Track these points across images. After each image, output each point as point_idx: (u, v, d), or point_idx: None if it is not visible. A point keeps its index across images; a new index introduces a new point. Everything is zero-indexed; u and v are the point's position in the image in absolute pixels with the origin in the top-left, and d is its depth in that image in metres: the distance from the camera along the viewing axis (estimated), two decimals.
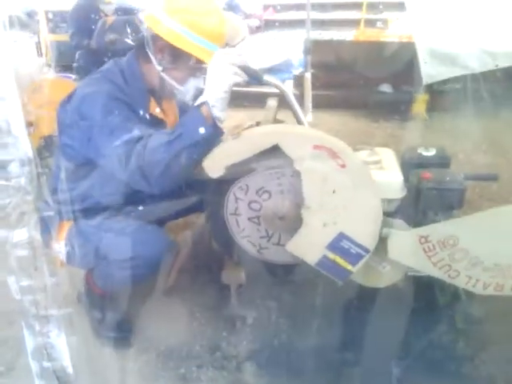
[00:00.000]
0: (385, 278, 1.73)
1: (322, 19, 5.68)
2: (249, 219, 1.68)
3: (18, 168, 1.03)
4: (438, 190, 1.68)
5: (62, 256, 1.82)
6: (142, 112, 1.73)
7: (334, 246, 1.60)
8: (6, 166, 1.02)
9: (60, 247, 1.81)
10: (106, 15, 4.40)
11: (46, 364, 1.22)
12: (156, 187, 1.56)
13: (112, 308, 1.97)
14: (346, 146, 1.54)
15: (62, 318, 1.18)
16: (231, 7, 5.57)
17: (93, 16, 4.38)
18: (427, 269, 1.63)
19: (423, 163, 1.82)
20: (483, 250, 1.57)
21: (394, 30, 5.09)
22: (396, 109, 4.56)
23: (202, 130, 1.49)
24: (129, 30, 4.29)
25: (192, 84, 1.75)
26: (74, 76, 3.75)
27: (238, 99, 4.51)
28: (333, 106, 4.69)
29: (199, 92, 1.71)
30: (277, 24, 5.94)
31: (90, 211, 1.79)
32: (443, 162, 1.85)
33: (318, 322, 2.02)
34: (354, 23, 5.41)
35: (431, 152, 1.85)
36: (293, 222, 1.63)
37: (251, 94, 4.54)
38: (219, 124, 1.52)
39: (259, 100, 4.38)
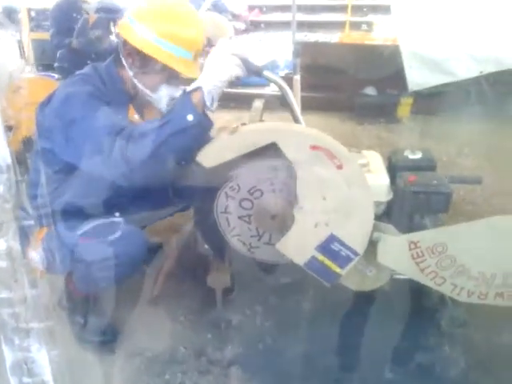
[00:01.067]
0: (371, 281, 1.72)
1: (308, 21, 5.69)
2: (239, 218, 1.67)
3: None
4: (424, 194, 1.68)
5: (40, 262, 1.78)
6: (120, 118, 1.67)
7: (324, 247, 1.59)
8: None
9: (37, 253, 1.76)
10: (88, 14, 4.33)
11: (26, 380, 1.18)
12: (139, 176, 1.47)
13: (95, 311, 1.94)
14: (343, 146, 1.53)
15: (43, 331, 1.14)
16: (217, 8, 5.54)
17: (74, 15, 4.31)
18: (414, 274, 1.63)
19: (409, 166, 1.82)
20: (470, 259, 1.58)
21: (378, 33, 5.11)
22: (381, 111, 4.58)
23: (190, 117, 1.43)
24: (112, 29, 4.24)
25: (164, 92, 1.70)
26: (56, 75, 3.68)
27: (223, 100, 4.51)
28: (318, 108, 4.68)
29: (173, 101, 1.69)
30: (262, 25, 5.94)
31: (68, 215, 1.74)
32: (429, 164, 1.85)
33: (305, 325, 2.01)
34: (339, 25, 5.43)
35: (417, 155, 1.85)
36: (284, 222, 1.62)
37: (237, 95, 4.52)
38: (209, 114, 1.48)
39: (245, 101, 4.38)
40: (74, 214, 1.74)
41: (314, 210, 1.55)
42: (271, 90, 4.63)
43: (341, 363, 1.87)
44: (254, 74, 1.58)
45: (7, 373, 1.16)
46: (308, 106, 4.62)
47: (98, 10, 4.33)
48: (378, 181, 1.69)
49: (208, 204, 1.70)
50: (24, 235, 1.24)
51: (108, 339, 1.94)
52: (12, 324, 1.11)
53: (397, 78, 4.02)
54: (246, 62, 1.52)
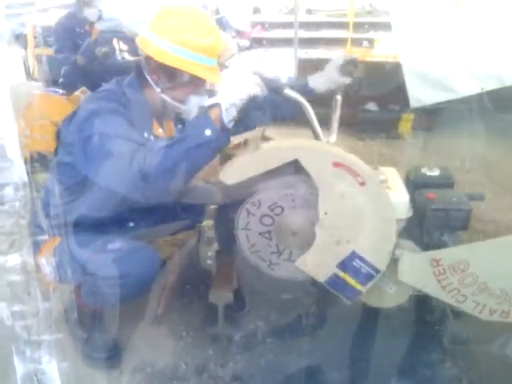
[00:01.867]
0: (390, 298, 1.73)
1: (309, 38, 5.74)
2: (260, 234, 1.68)
3: (12, 192, 1.00)
4: (444, 211, 1.68)
5: (50, 272, 1.78)
6: (146, 134, 1.69)
7: (346, 264, 1.60)
8: (0, 190, 1.00)
9: (48, 263, 1.76)
10: (92, 23, 4.31)
11: None
12: (155, 190, 1.46)
13: (99, 326, 1.93)
14: (364, 164, 1.54)
15: (54, 343, 1.14)
16: (221, 25, 5.57)
17: (77, 29, 4.32)
18: (436, 292, 1.63)
19: (428, 183, 1.82)
20: (492, 276, 1.58)
21: (380, 50, 5.15)
22: (382, 127, 4.60)
23: (208, 133, 1.43)
24: (116, 45, 4.25)
25: (194, 102, 1.70)
26: (61, 91, 3.71)
27: None
28: (320, 124, 4.71)
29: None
30: (264, 42, 5.98)
31: (82, 228, 1.74)
32: (447, 181, 1.85)
33: (305, 341, 2.01)
34: (341, 42, 5.47)
35: (435, 172, 1.86)
36: (305, 239, 1.63)
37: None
38: (226, 130, 1.48)
39: None
40: (88, 227, 1.74)
41: (336, 227, 1.56)
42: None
43: (341, 379, 1.85)
44: (275, 91, 1.60)
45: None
46: (302, 121, 4.67)
47: (101, 26, 4.33)
48: (398, 198, 1.67)
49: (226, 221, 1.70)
50: (36, 248, 1.26)
51: (110, 354, 1.92)
52: (24, 336, 1.12)
53: (398, 94, 4.05)
54: (267, 80, 1.53)
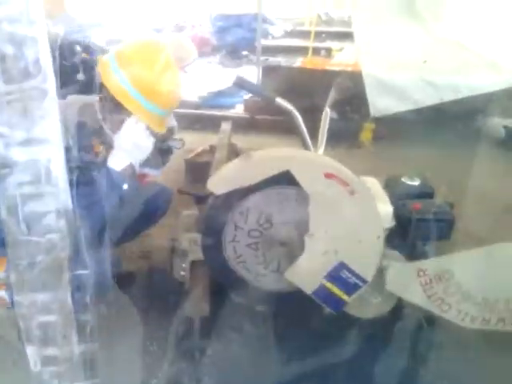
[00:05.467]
0: (375, 308, 1.73)
1: (268, 45, 5.77)
2: (247, 246, 1.65)
3: (53, 221, 0.88)
4: (428, 221, 1.68)
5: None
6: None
7: (333, 275, 1.59)
8: (41, 219, 0.86)
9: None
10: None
11: None
12: None
13: None
14: (352, 173, 1.54)
15: None
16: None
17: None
18: (421, 301, 1.64)
19: (409, 193, 1.82)
20: (474, 285, 1.60)
21: (338, 59, 5.21)
22: (342, 136, 4.62)
23: (125, 186, 1.48)
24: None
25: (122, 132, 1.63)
26: None
27: (190, 122, 4.47)
28: (278, 132, 4.69)
29: None
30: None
31: None
32: (428, 191, 1.86)
33: (282, 351, 1.94)
34: (299, 51, 5.53)
35: (415, 181, 1.86)
36: (293, 250, 1.61)
37: (203, 116, 4.48)
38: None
39: (211, 123, 4.34)
40: None
41: (325, 238, 1.54)
42: (237, 112, 4.62)
43: None
44: (266, 100, 1.58)
45: None
46: (268, 129, 4.65)
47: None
48: (382, 208, 1.67)
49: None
50: None
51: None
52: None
53: (358, 103, 4.09)
54: (255, 89, 1.52)
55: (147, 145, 1.54)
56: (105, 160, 1.54)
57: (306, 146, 1.74)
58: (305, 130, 1.73)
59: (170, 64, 1.63)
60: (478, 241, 2.23)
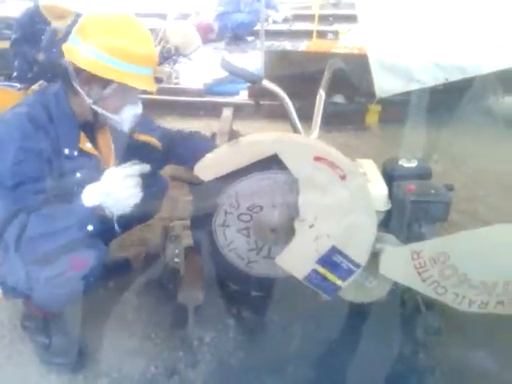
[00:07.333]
0: (370, 293, 1.71)
1: (273, 30, 5.72)
2: (238, 231, 1.63)
3: None
4: (424, 203, 1.65)
5: None
6: (68, 150, 1.57)
7: (325, 260, 1.57)
8: None
9: None
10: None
11: None
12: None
13: (59, 331, 1.81)
14: (344, 156, 1.51)
15: None
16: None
17: (41, 25, 4.09)
18: (416, 285, 1.62)
19: (405, 175, 1.78)
20: (471, 268, 1.57)
21: (345, 42, 5.13)
22: (349, 119, 4.58)
23: (90, 228, 1.42)
24: None
25: (128, 112, 1.61)
26: (18, 85, 3.52)
27: (192, 109, 4.46)
28: (283, 117, 4.66)
29: (137, 119, 1.64)
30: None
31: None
32: (425, 173, 1.82)
33: (278, 340, 1.93)
34: (306, 35, 5.44)
35: (413, 163, 1.82)
36: (284, 235, 1.59)
37: (206, 103, 4.46)
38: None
39: (214, 110, 4.33)
40: None
41: (316, 223, 1.52)
42: (240, 98, 4.59)
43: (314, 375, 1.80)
44: (252, 82, 1.58)
45: None
46: (275, 114, 4.62)
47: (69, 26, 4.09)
48: (377, 190, 1.64)
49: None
50: None
51: (73, 360, 1.80)
52: None
53: (364, 86, 4.02)
54: (244, 72, 1.53)
55: (128, 202, 1.43)
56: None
57: (295, 129, 1.71)
58: (294, 113, 1.69)
59: (133, 23, 1.59)
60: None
